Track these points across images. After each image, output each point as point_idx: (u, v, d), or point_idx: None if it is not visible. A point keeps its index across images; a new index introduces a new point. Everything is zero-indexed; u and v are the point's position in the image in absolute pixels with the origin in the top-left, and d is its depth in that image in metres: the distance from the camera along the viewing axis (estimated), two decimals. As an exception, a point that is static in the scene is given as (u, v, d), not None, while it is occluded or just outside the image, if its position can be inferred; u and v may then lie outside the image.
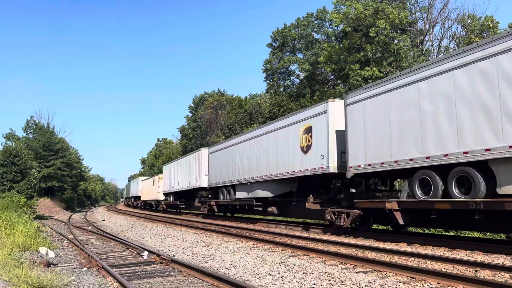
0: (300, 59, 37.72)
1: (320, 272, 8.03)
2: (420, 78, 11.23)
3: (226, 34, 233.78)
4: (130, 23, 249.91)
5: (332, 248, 10.98)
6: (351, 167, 13.64)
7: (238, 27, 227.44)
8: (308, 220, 20.02)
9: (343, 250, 10.71)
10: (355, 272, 7.94)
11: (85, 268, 9.56)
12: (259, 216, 23.22)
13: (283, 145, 17.74)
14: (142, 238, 16.50)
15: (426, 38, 30.55)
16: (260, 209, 20.35)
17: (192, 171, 30.57)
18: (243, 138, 22.65)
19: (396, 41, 27.38)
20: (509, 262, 8.38)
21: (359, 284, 6.99)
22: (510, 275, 7.13)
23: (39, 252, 12.06)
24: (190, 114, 62.13)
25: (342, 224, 13.85)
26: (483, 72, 9.61)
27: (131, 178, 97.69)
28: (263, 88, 53.90)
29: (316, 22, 37.71)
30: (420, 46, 29.81)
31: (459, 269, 7.78)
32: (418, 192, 11.27)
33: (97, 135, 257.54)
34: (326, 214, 14.64)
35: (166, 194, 39.29)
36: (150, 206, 47.25)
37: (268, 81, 40.16)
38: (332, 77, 34.61)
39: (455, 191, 10.26)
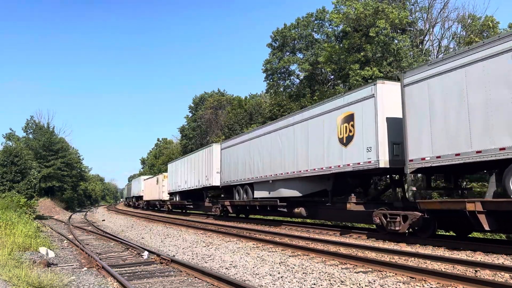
0: (300, 59, 37.71)
1: (320, 272, 8.03)
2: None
3: (226, 34, 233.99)
4: (130, 24, 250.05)
5: (332, 248, 10.98)
6: (411, 161, 11.23)
7: (238, 27, 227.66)
8: (345, 223, 18.17)
9: (343, 250, 10.71)
10: (355, 272, 7.95)
11: (85, 268, 9.57)
12: (279, 218, 21.45)
13: (315, 137, 15.62)
14: (142, 238, 16.50)
15: (426, 38, 30.54)
16: (285, 210, 18.23)
17: (202, 169, 28.45)
18: (263, 131, 20.32)
19: (396, 41, 27.37)
20: (509, 262, 8.38)
21: (359, 284, 6.99)
22: (510, 275, 7.13)
23: (39, 252, 12.07)
24: (190, 114, 62.14)
25: (397, 228, 11.78)
26: None
27: (131, 178, 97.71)
28: (263, 88, 53.98)
29: (316, 22, 37.72)
30: (420, 46, 29.80)
31: (459, 269, 7.78)
32: None
33: (97, 135, 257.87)
34: (375, 217, 12.62)
35: (171, 194, 37.19)
36: (154, 206, 45.28)
37: (268, 81, 40.17)
38: (332, 77, 34.60)
39: None
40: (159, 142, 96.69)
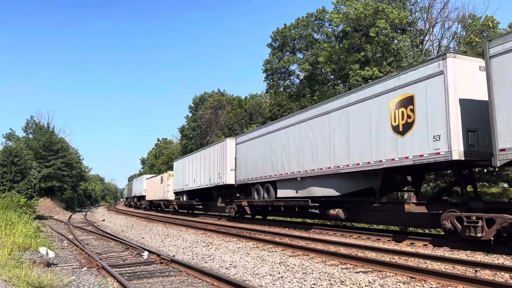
0: (300, 59, 37.72)
1: (320, 272, 8.03)
2: None
3: (226, 34, 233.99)
4: (131, 25, 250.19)
5: (332, 248, 10.98)
6: (503, 150, 9.13)
7: (238, 27, 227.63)
8: (393, 227, 15.89)
9: (343, 250, 10.70)
10: (355, 272, 7.95)
11: (85, 268, 9.57)
12: (307, 220, 19.61)
13: (359, 126, 13.35)
14: (142, 238, 16.50)
15: (426, 38, 30.54)
16: (317, 211, 15.97)
17: (213, 166, 26.12)
18: (288, 122, 17.96)
19: (396, 41, 27.39)
20: (509, 262, 8.38)
21: (359, 284, 6.99)
22: (510, 275, 7.13)
23: (39, 252, 12.06)
24: (190, 114, 62.17)
25: (478, 235, 9.67)
26: None
27: (131, 178, 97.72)
28: (263, 88, 53.98)
29: (316, 22, 37.74)
30: (420, 46, 29.81)
31: (459, 269, 7.78)
32: None
33: (97, 135, 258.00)
34: (444, 220, 10.57)
35: (177, 193, 35.11)
36: (158, 206, 43.35)
37: (268, 81, 40.17)
38: (332, 77, 34.61)
39: None
40: (159, 142, 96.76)
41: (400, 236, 12.72)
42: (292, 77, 39.54)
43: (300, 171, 16.63)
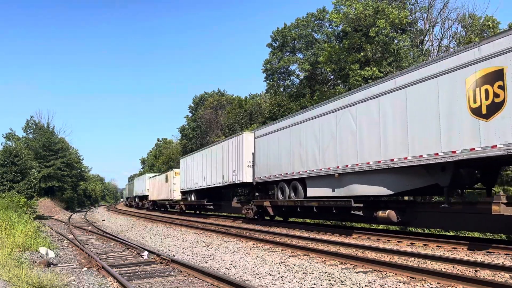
0: (300, 59, 37.76)
1: (320, 272, 8.03)
2: None
3: (226, 34, 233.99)
4: (131, 25, 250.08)
5: (332, 248, 10.97)
6: None
7: (238, 27, 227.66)
8: (464, 233, 14.02)
9: (343, 250, 10.70)
10: (355, 272, 7.94)
11: (85, 268, 9.56)
12: (343, 223, 17.51)
13: (421, 111, 11.18)
14: (142, 238, 16.50)
15: (426, 38, 30.59)
16: (361, 213, 13.50)
17: (227, 163, 23.98)
18: (321, 110, 15.62)
19: (396, 41, 27.42)
20: (509, 262, 8.38)
21: (359, 284, 6.99)
22: (510, 275, 7.13)
23: (39, 252, 12.07)
24: (190, 114, 62.24)
25: None
26: None
27: (131, 178, 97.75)
28: (263, 88, 54.03)
29: (316, 22, 37.77)
30: (420, 46, 29.85)
31: (459, 269, 7.78)
32: None
33: (97, 135, 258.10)
34: None
35: (184, 193, 32.93)
36: (162, 207, 41.47)
37: (268, 81, 40.22)
38: (332, 77, 34.65)
39: None
40: (159, 142, 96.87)
41: (482, 243, 10.45)
42: (292, 77, 39.62)
43: (338, 166, 14.35)
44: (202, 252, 11.48)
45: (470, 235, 14.06)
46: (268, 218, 20.75)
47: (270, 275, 8.01)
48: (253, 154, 20.96)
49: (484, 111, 9.64)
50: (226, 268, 8.93)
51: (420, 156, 11.07)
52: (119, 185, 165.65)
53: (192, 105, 62.45)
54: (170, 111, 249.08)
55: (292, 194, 17.43)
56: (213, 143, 30.07)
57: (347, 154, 13.92)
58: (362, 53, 27.25)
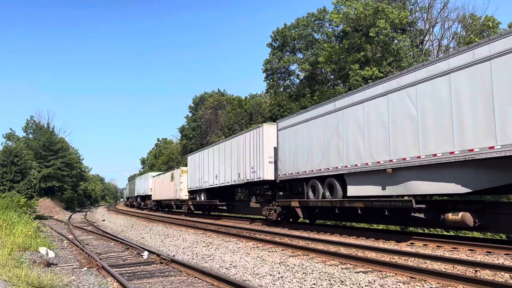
0: (300, 59, 37.76)
1: (320, 272, 8.03)
2: None
3: (226, 34, 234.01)
4: (131, 25, 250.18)
5: (332, 248, 10.97)
6: None
7: (238, 27, 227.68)
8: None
9: (343, 250, 10.70)
10: (355, 272, 7.95)
11: (85, 268, 9.57)
12: (391, 227, 15.65)
13: None
14: (142, 238, 16.50)
15: (426, 38, 30.60)
16: (422, 215, 11.32)
17: (244, 159, 21.64)
18: (367, 94, 13.31)
19: (396, 41, 27.42)
20: (509, 262, 8.38)
21: (359, 284, 6.99)
22: (510, 275, 7.13)
23: (39, 252, 12.07)
24: (190, 114, 62.21)
25: None
26: None
27: (131, 178, 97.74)
28: (263, 88, 54.03)
29: (316, 22, 37.77)
30: (420, 46, 29.85)
31: (459, 269, 7.78)
32: None
33: (97, 135, 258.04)
34: None
35: (193, 192, 30.76)
36: (167, 207, 39.33)
37: (268, 81, 40.22)
38: (332, 77, 34.65)
39: None
40: (159, 142, 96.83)
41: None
42: (292, 77, 39.62)
43: (391, 160, 12.09)
44: (202, 252, 11.48)
45: (470, 235, 14.07)
46: (292, 220, 18.90)
47: (270, 275, 8.02)
48: (276, 148, 18.75)
49: None
50: (226, 268, 8.93)
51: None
52: (119, 185, 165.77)
53: (192, 105, 62.43)
54: (170, 111, 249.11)
55: (327, 193, 15.09)
56: (227, 138, 27.23)
57: (403, 146, 11.71)
58: (362, 53, 27.25)
